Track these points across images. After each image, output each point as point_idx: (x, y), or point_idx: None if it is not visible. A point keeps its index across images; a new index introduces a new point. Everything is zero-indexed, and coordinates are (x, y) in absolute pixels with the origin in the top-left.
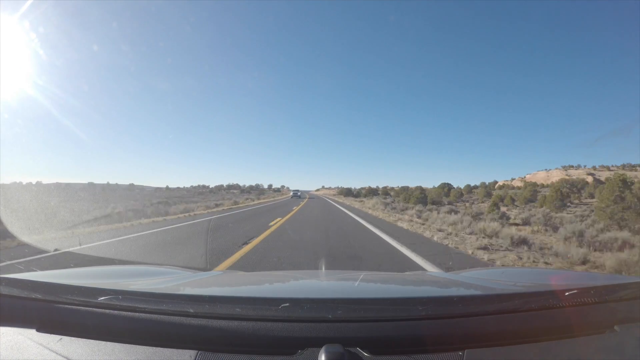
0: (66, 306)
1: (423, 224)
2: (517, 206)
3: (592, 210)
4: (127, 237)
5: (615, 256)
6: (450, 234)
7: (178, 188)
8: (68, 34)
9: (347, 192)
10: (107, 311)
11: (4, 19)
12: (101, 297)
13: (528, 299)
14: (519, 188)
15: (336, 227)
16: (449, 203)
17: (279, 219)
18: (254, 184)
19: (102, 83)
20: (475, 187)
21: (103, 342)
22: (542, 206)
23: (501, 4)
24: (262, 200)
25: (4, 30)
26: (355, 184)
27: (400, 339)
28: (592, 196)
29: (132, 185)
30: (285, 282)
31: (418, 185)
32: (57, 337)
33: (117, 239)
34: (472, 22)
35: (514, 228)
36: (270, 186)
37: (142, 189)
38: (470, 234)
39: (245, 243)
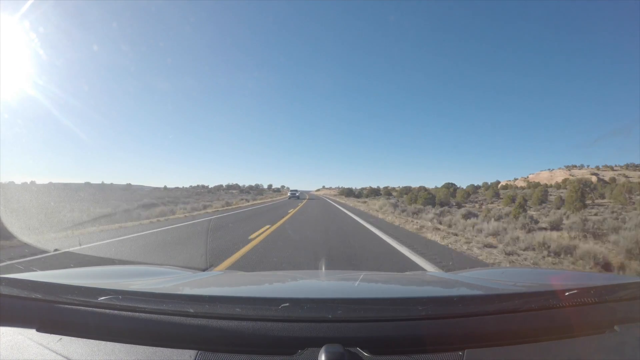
0: (66, 306)
1: (456, 235)
2: (530, 207)
3: (615, 212)
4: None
5: None
6: (512, 253)
7: (176, 188)
8: (68, 34)
9: (349, 193)
10: (107, 311)
11: (4, 19)
12: (101, 297)
13: (528, 299)
14: (522, 188)
15: (344, 239)
16: (458, 204)
17: (267, 226)
18: (253, 184)
19: (102, 83)
20: (478, 187)
21: (103, 342)
22: (558, 207)
23: (503, 5)
24: (257, 202)
25: (4, 31)
26: (356, 184)
27: (400, 339)
28: (602, 196)
29: (129, 185)
30: (285, 282)
31: (420, 185)
32: (57, 337)
33: None
34: (475, 23)
35: (555, 234)
36: (270, 186)
37: (140, 188)
38: (527, 249)
39: (206, 269)
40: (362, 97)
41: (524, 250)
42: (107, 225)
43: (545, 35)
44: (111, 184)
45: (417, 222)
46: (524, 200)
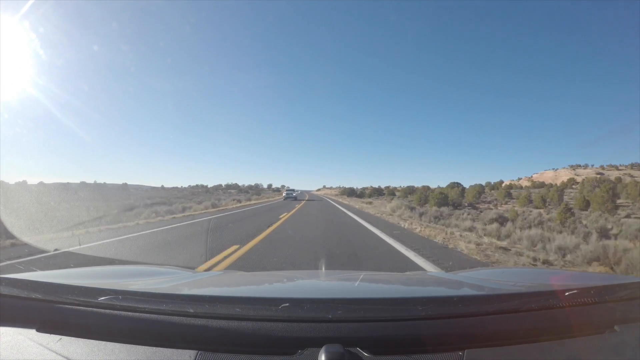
0: (66, 306)
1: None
2: (549, 207)
3: None
4: None
5: None
6: None
7: (174, 188)
8: (68, 34)
9: (350, 192)
10: (107, 311)
11: (5, 20)
12: (101, 297)
13: (528, 299)
14: (527, 187)
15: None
16: (470, 204)
17: (235, 247)
18: (253, 184)
19: (102, 82)
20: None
21: (103, 342)
22: (583, 208)
23: (504, 5)
24: (250, 202)
25: (4, 31)
26: (357, 183)
27: (400, 339)
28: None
29: (125, 184)
30: (285, 282)
31: (423, 185)
32: (57, 337)
33: None
34: (479, 24)
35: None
36: (269, 186)
37: (138, 188)
38: None
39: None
40: (362, 96)
41: None
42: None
43: (546, 36)
44: (104, 183)
45: (458, 234)
46: (527, 200)
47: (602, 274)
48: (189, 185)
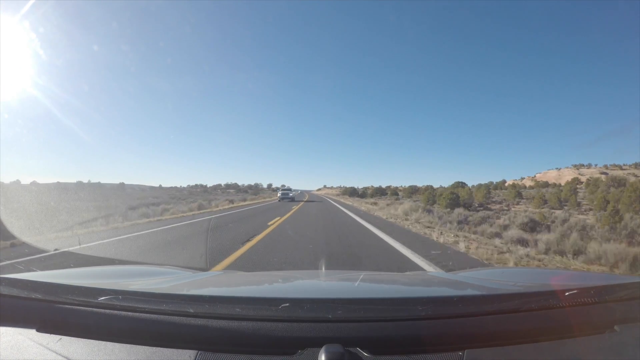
0: (66, 306)
1: None
2: (565, 207)
3: None
4: None
5: None
6: None
7: (172, 188)
8: (68, 34)
9: (352, 192)
10: (107, 311)
11: (5, 20)
12: (101, 297)
13: (528, 299)
14: (531, 187)
15: None
16: (480, 205)
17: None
18: (252, 183)
19: (102, 82)
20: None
21: (103, 342)
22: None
23: (506, 6)
24: (244, 203)
25: (5, 31)
26: (357, 183)
27: (400, 339)
28: None
29: (122, 184)
30: (285, 282)
31: (426, 184)
32: (57, 337)
33: None
34: (480, 25)
35: None
36: (269, 186)
37: (136, 187)
38: None
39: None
40: (363, 96)
41: None
42: None
43: (547, 36)
44: (98, 182)
45: (523, 251)
46: (542, 200)
47: (602, 274)
48: (188, 185)
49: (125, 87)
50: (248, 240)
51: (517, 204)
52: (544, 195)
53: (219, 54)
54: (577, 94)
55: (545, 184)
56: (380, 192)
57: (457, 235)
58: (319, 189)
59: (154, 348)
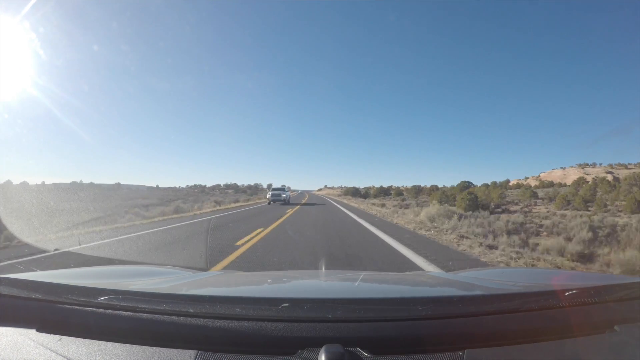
0: (66, 306)
1: None
2: (589, 209)
3: None
4: None
5: None
6: None
7: (170, 188)
8: (68, 34)
9: (355, 192)
10: (107, 311)
11: (5, 20)
12: (101, 297)
13: (528, 299)
14: (536, 187)
15: None
16: (497, 206)
17: None
18: (252, 184)
19: (101, 82)
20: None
21: (103, 342)
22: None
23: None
24: (235, 205)
25: (5, 31)
26: (358, 183)
27: (400, 339)
28: None
29: (118, 184)
30: (285, 282)
31: (429, 184)
32: (57, 337)
33: None
34: (482, 26)
35: None
36: (269, 186)
37: (130, 188)
38: None
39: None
40: (363, 96)
41: None
42: None
43: (548, 37)
44: (91, 183)
45: None
46: (565, 201)
47: (602, 274)
48: (187, 185)
49: (125, 87)
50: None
51: (535, 204)
52: (566, 196)
53: (219, 54)
54: (577, 94)
55: (551, 184)
56: (383, 192)
57: (532, 259)
58: (320, 189)
59: (154, 348)
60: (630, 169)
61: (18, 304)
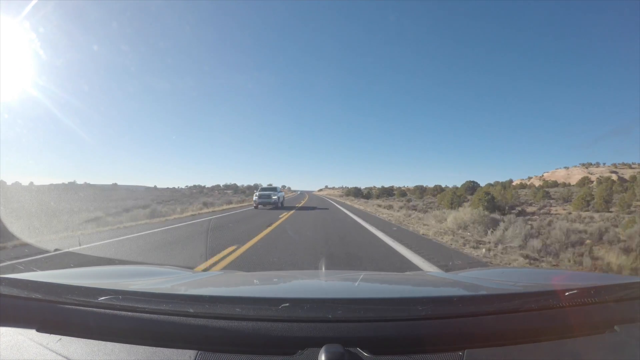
0: (66, 306)
1: None
2: (610, 210)
3: None
4: None
5: None
6: None
7: (167, 189)
8: (68, 34)
9: (356, 193)
10: (107, 311)
11: (6, 21)
12: (101, 297)
13: (528, 299)
14: (540, 187)
15: None
16: (512, 208)
17: None
18: (252, 184)
19: (102, 82)
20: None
21: (103, 342)
22: None
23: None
24: (223, 208)
25: (5, 32)
26: (359, 183)
27: (400, 339)
28: None
29: (115, 184)
30: (285, 282)
31: (431, 185)
32: (57, 337)
33: None
34: (485, 27)
35: None
36: (269, 186)
37: (127, 188)
38: None
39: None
40: (364, 96)
41: None
42: None
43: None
44: (84, 183)
45: None
46: (585, 202)
47: (602, 274)
48: (186, 186)
49: (125, 87)
50: None
51: (550, 205)
52: (585, 196)
53: (219, 54)
54: (578, 94)
55: (555, 184)
56: (386, 192)
57: None
58: (320, 190)
59: (154, 348)
60: (634, 168)
61: (18, 304)
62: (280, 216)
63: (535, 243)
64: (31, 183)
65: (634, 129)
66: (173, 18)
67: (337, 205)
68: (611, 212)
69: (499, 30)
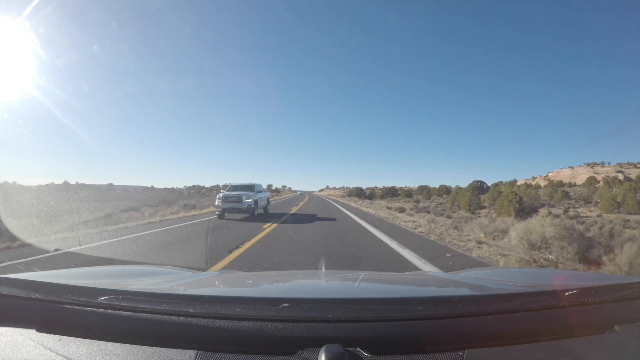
0: (66, 306)
1: None
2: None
3: None
4: None
5: None
6: None
7: (164, 189)
8: (69, 34)
9: (359, 193)
10: (108, 311)
11: (6, 21)
12: (101, 297)
13: (528, 299)
14: (545, 187)
15: None
16: (534, 210)
17: None
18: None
19: (102, 82)
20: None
21: (103, 342)
22: None
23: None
24: (204, 211)
25: (6, 32)
26: (360, 183)
27: (400, 339)
28: None
29: (111, 185)
30: (285, 282)
31: (434, 185)
32: (57, 337)
33: None
34: (488, 28)
35: None
36: (269, 186)
37: (123, 189)
38: None
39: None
40: (365, 96)
41: None
42: None
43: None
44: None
45: None
46: (615, 204)
47: (602, 274)
48: (185, 186)
49: (125, 87)
50: None
51: (573, 206)
52: (616, 197)
53: (219, 55)
54: (579, 94)
55: (560, 183)
56: (389, 192)
57: None
58: (321, 190)
59: (154, 348)
60: (639, 167)
61: (18, 304)
62: (265, 227)
63: None
64: (15, 182)
65: (634, 129)
66: (173, 18)
67: (341, 207)
68: None
69: (502, 30)
